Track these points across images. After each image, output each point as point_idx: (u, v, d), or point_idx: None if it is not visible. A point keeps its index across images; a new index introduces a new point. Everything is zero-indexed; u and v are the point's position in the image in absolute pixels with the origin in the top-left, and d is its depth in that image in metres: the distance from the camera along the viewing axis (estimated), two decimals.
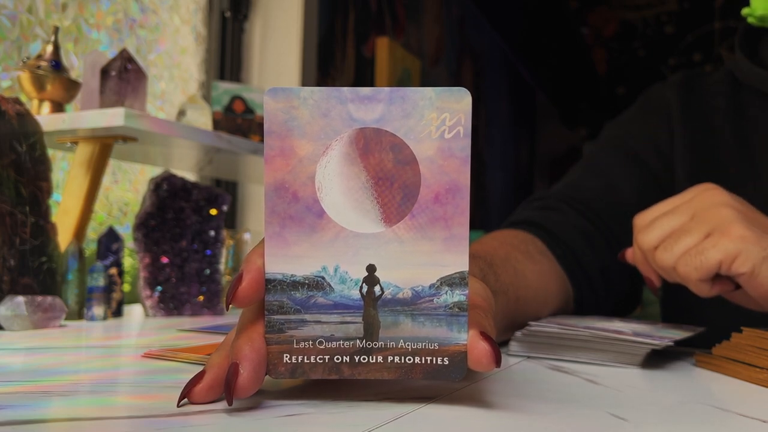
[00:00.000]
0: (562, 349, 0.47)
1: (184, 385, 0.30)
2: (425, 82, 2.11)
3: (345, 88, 0.29)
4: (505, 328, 0.51)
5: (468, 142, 0.29)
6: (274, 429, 0.26)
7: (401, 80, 1.88)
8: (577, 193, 0.67)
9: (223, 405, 0.29)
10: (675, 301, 0.71)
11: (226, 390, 0.28)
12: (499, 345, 0.54)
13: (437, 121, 0.29)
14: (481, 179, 2.76)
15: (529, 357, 0.48)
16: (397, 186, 0.30)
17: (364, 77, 1.76)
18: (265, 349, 0.29)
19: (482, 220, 2.70)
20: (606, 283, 0.64)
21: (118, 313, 0.77)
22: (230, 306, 0.29)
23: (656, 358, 0.48)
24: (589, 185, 0.68)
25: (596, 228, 0.64)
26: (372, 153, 0.30)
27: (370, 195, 0.30)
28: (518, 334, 0.48)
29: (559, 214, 0.64)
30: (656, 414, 0.31)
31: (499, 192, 3.04)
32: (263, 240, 0.30)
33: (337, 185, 0.30)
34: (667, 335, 0.47)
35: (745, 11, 0.64)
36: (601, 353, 0.46)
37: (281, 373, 0.29)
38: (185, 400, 0.30)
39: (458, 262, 0.30)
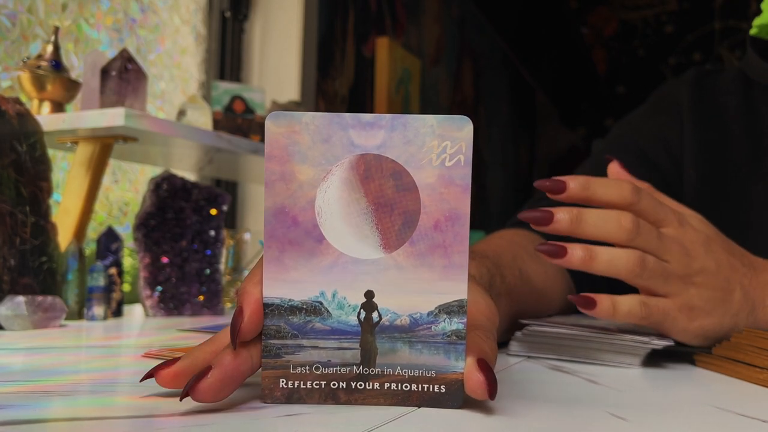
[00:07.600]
0: (562, 349, 0.47)
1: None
2: (425, 82, 2.11)
3: (347, 114, 0.29)
4: (509, 329, 0.51)
5: (469, 170, 0.29)
6: (274, 429, 0.26)
7: (401, 80, 1.87)
8: None
9: (223, 405, 0.29)
10: None
11: (185, 386, 0.28)
12: (500, 345, 0.53)
13: (438, 149, 0.29)
14: (481, 179, 2.75)
15: (529, 357, 0.48)
16: (397, 213, 0.29)
17: (364, 77, 1.76)
18: (246, 365, 0.29)
19: (482, 220, 2.70)
20: (609, 286, 0.64)
21: (118, 313, 0.77)
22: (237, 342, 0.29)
23: (656, 358, 0.48)
24: None
25: None
26: (372, 179, 0.29)
27: (370, 221, 0.29)
28: (518, 334, 0.48)
29: None
30: (656, 414, 0.31)
31: (499, 192, 3.04)
32: (257, 266, 0.30)
33: (337, 210, 0.29)
34: None
35: (758, 23, 0.63)
36: (601, 353, 0.46)
37: (277, 398, 0.29)
38: (151, 378, 0.30)
39: (457, 289, 0.29)
